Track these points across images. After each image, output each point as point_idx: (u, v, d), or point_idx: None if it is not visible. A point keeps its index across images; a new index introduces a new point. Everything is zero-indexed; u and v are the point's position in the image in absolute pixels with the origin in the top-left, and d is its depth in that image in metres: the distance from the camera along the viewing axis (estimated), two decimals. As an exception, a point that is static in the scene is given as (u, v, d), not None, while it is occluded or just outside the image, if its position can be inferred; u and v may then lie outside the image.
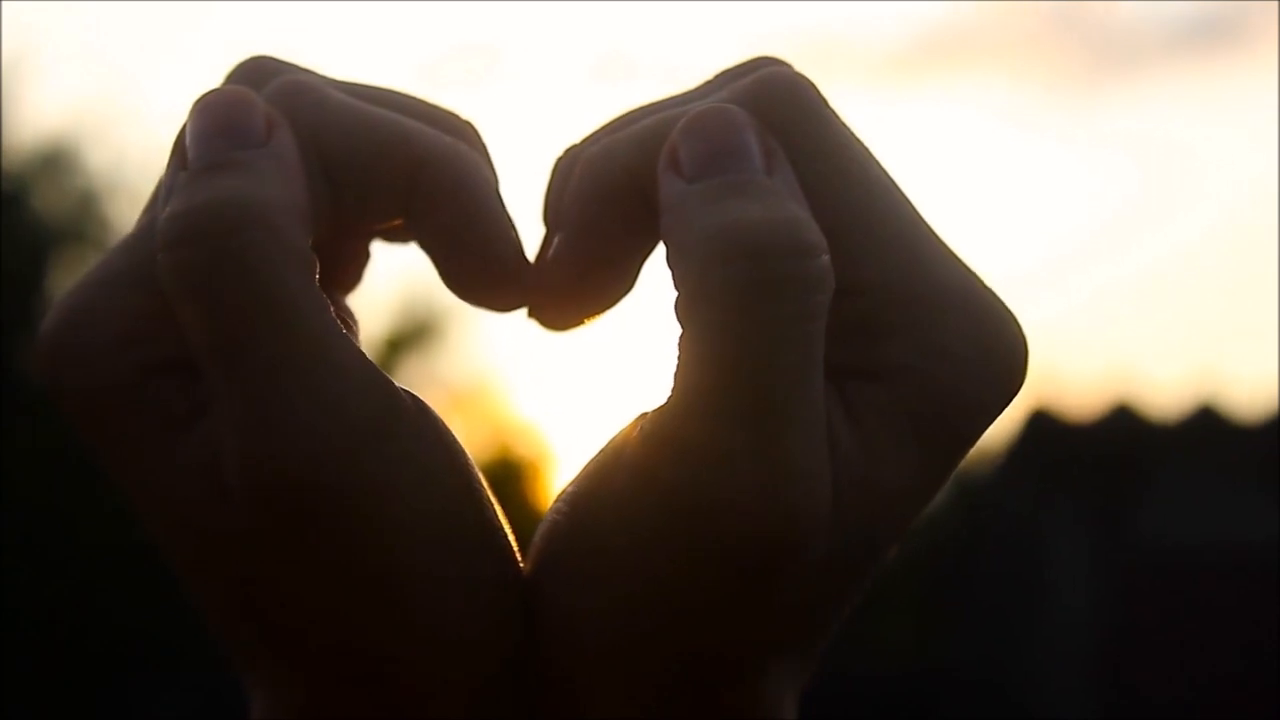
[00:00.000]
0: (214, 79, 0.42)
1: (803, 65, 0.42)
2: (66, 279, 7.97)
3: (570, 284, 0.43)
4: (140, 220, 0.41)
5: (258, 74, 0.42)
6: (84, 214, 8.44)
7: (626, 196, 0.41)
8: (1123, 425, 8.85)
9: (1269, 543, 8.32)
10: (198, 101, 0.40)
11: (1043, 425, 9.79)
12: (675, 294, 0.39)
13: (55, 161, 8.46)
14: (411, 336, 9.60)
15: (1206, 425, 8.77)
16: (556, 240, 0.43)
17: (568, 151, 0.44)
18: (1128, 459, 8.73)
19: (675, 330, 0.39)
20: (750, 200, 0.38)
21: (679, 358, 0.38)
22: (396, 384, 0.39)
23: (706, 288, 0.37)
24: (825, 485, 0.38)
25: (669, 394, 0.39)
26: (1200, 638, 8.44)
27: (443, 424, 0.40)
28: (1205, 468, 8.65)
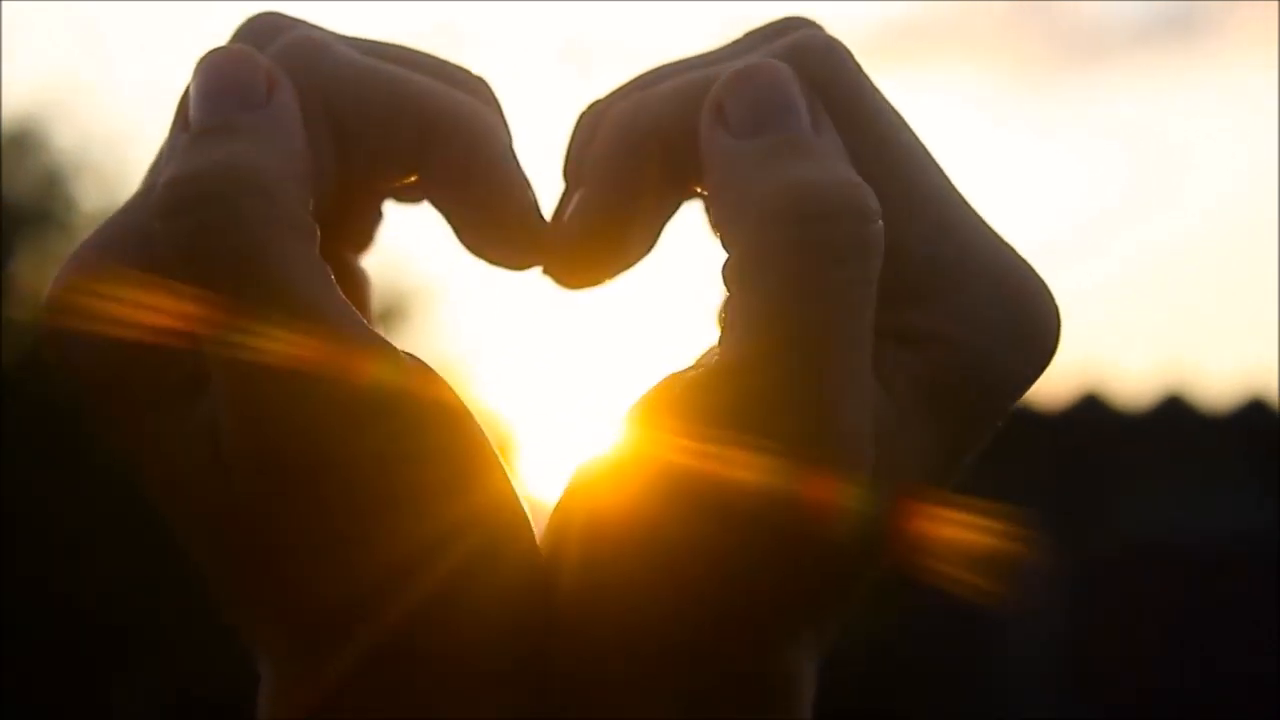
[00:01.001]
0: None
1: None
2: (32, 260, 7.94)
3: (590, 240, 0.42)
4: (145, 180, 0.40)
5: (265, 30, 0.41)
6: (50, 194, 8.40)
7: (655, 153, 0.40)
8: (1091, 415, 8.90)
9: (1237, 534, 8.39)
10: (201, 60, 0.39)
11: (1011, 415, 9.84)
12: (726, 255, 0.38)
13: (21, 141, 8.41)
14: (375, 323, 9.58)
15: (1174, 415, 8.83)
16: (578, 196, 0.42)
17: (591, 107, 0.42)
18: (1096, 448, 8.78)
19: (721, 292, 0.38)
20: (808, 160, 0.37)
21: (730, 320, 0.37)
22: (400, 350, 0.38)
23: (766, 249, 0.36)
24: (871, 454, 0.37)
25: (719, 357, 0.37)
26: (1168, 630, 8.50)
27: (450, 391, 0.39)
28: (1173, 458, 8.71)
